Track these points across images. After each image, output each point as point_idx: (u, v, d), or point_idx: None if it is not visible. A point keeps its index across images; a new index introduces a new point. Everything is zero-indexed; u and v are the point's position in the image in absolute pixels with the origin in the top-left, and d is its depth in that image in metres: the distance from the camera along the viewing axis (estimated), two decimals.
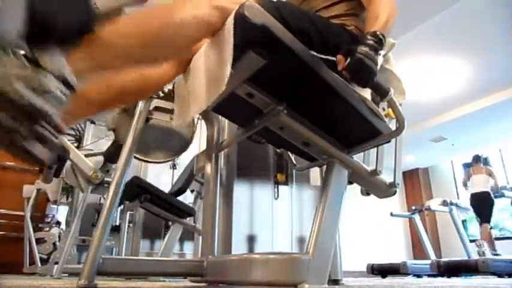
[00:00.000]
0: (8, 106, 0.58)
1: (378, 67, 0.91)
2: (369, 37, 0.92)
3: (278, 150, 1.91)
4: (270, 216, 1.91)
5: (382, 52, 0.93)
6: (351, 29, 1.13)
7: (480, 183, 5.57)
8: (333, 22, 1.11)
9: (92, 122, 4.39)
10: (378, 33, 0.93)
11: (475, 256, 4.71)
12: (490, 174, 5.64)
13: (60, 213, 4.56)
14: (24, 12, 0.61)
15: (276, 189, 1.96)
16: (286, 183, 1.99)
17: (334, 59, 0.93)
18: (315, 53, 0.95)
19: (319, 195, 1.08)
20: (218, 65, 0.86)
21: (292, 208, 1.99)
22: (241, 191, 1.88)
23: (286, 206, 1.98)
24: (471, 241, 5.30)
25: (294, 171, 2.03)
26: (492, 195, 5.39)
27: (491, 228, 5.36)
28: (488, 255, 4.73)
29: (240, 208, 1.85)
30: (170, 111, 1.68)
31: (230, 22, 0.83)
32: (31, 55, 0.63)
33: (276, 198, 1.95)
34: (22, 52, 0.63)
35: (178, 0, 0.85)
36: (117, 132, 1.95)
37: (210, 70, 0.91)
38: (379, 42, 0.91)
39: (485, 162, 6.00)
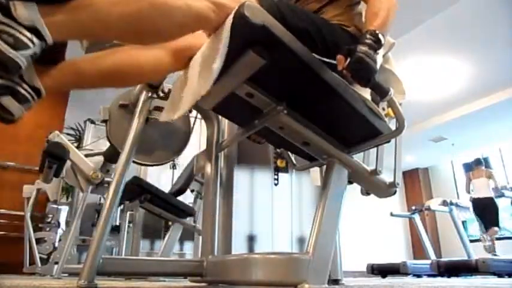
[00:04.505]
0: None
1: (378, 66, 0.92)
2: (367, 36, 0.93)
3: (278, 150, 1.92)
4: (270, 205, 1.92)
5: (380, 51, 0.94)
6: (350, 30, 1.13)
7: (481, 187, 5.49)
8: (332, 22, 1.11)
9: (92, 122, 4.39)
10: (376, 32, 0.94)
11: (475, 256, 4.71)
12: (490, 176, 5.55)
13: (60, 213, 4.56)
14: None
15: (276, 176, 1.96)
16: (286, 170, 1.99)
17: (334, 62, 0.93)
18: (315, 55, 0.95)
19: (319, 195, 1.08)
20: (211, 58, 0.86)
21: (292, 195, 1.99)
22: (241, 178, 1.88)
23: (286, 193, 1.99)
24: (471, 241, 5.30)
25: (293, 158, 2.04)
26: (495, 200, 5.28)
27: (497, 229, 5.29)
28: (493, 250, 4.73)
29: (240, 196, 1.85)
30: None
31: (229, 21, 0.83)
32: (5, 3, 0.62)
33: (276, 185, 1.95)
34: None
35: None
36: (109, 125, 1.91)
37: (203, 64, 0.92)
38: (377, 42, 0.93)
39: (485, 162, 5.97)
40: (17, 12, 0.63)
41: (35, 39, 0.65)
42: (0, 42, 0.61)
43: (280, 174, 1.97)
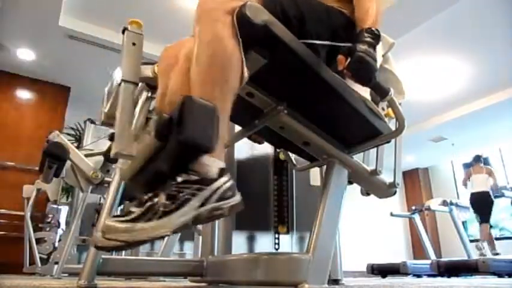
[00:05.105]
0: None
1: (378, 64, 0.92)
2: (365, 34, 0.93)
3: (278, 150, 1.91)
4: None
5: (379, 48, 0.94)
6: (346, 12, 1.13)
7: (480, 182, 5.63)
8: (332, 7, 1.11)
9: (92, 122, 4.39)
10: (373, 29, 0.95)
11: (475, 256, 4.71)
12: (490, 173, 5.71)
13: (60, 213, 4.56)
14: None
15: (277, 240, 1.91)
16: (287, 233, 1.94)
17: (332, 43, 0.95)
18: (316, 41, 0.95)
19: (319, 195, 1.08)
20: None
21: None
22: (241, 242, 1.83)
23: None
24: (471, 241, 5.30)
25: (295, 221, 1.98)
26: (492, 195, 5.44)
27: (491, 227, 5.40)
28: (489, 256, 4.74)
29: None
30: None
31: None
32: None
33: (276, 250, 1.89)
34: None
35: (204, 25, 0.82)
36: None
37: None
38: (376, 39, 0.93)
39: (485, 162, 6.05)
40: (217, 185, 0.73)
41: (224, 178, 0.76)
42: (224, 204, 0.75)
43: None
